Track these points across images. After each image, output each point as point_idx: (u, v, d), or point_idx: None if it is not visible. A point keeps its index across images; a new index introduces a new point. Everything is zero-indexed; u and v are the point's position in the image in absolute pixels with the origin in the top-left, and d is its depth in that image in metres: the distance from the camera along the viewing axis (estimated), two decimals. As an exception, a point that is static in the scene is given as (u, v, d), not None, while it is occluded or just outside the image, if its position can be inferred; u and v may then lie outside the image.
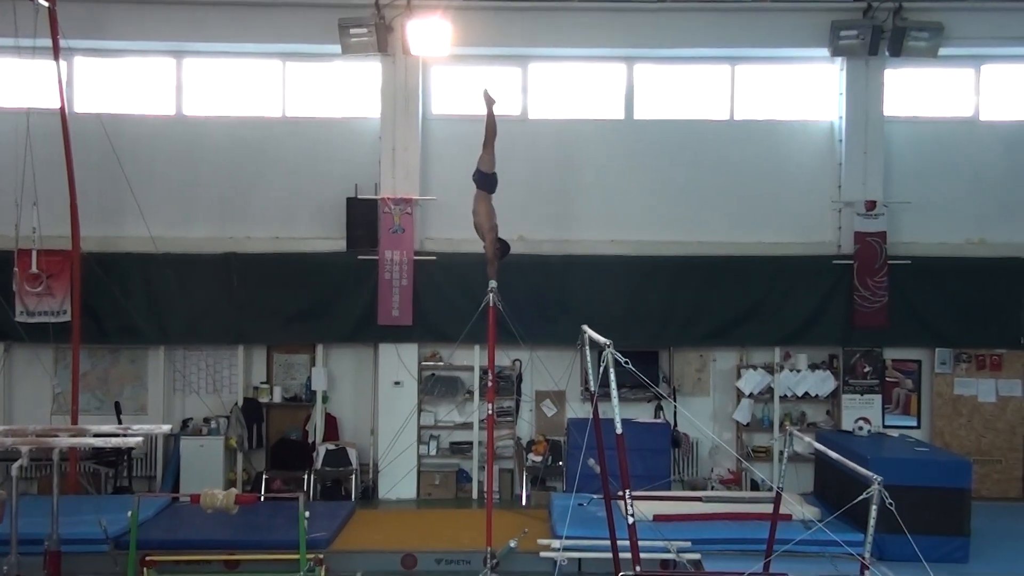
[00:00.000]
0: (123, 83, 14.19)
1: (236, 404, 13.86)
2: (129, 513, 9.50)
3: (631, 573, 6.35)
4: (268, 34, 13.84)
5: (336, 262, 13.80)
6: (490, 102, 11.17)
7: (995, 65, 14.22)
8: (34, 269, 12.44)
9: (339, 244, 13.86)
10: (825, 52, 13.76)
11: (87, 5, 13.40)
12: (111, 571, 9.67)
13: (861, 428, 12.19)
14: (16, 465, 5.84)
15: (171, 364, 14.04)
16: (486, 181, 11.10)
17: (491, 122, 11.14)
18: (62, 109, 12.53)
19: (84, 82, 14.11)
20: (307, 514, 9.62)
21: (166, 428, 6.81)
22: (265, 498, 11.70)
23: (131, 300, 13.43)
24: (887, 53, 13.62)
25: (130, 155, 13.40)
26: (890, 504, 6.26)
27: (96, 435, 6.59)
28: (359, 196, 13.80)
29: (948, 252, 13.91)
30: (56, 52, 12.35)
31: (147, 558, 9.97)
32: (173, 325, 13.73)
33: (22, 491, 6.15)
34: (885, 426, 13.53)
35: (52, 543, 6.09)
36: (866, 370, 13.84)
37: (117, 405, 13.53)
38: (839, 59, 13.93)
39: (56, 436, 6.39)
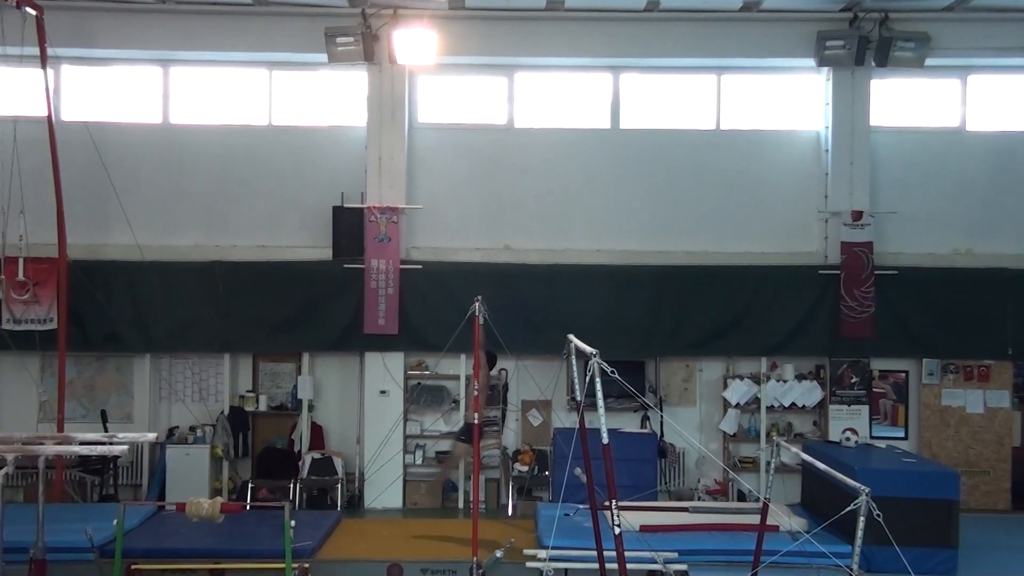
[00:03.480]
0: (110, 91, 14.16)
1: (222, 413, 13.80)
2: (115, 521, 9.44)
3: (618, 584, 6.33)
4: (255, 43, 13.82)
5: (322, 270, 13.77)
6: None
7: (981, 76, 14.29)
8: (21, 277, 12.37)
9: (325, 253, 13.83)
10: (811, 62, 13.82)
11: (75, 14, 13.37)
12: (96, 580, 9.63)
13: (848, 439, 12.21)
14: (1, 473, 5.79)
15: (157, 372, 13.98)
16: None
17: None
18: (49, 117, 12.50)
19: (71, 90, 14.07)
20: (293, 523, 9.55)
21: (152, 436, 6.77)
22: (251, 507, 11.62)
23: (117, 308, 13.37)
24: (873, 63, 13.68)
25: (117, 163, 13.35)
26: (878, 516, 6.24)
27: (82, 443, 6.53)
28: (345, 205, 13.78)
29: (935, 263, 13.95)
30: (43, 60, 12.32)
31: (132, 567, 9.90)
32: (159, 333, 13.67)
33: (7, 499, 6.10)
34: (872, 437, 13.56)
35: (37, 551, 6.04)
36: (853, 381, 13.87)
37: (103, 413, 13.47)
38: (825, 69, 13.98)
39: (42, 444, 6.34)
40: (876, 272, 13.65)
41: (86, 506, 12.59)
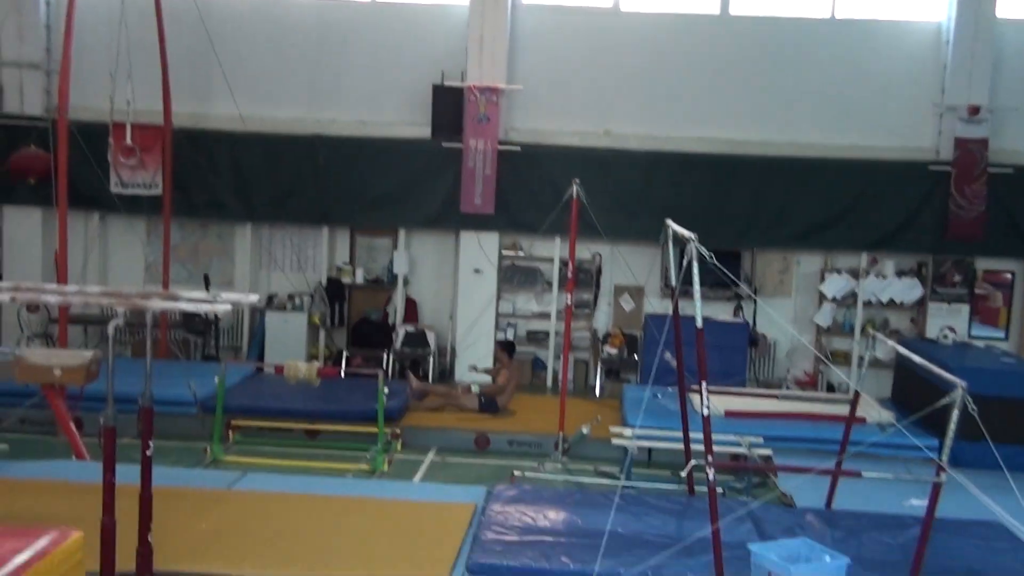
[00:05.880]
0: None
1: (320, 283, 14.15)
2: (216, 378, 9.88)
3: (703, 463, 6.37)
4: (362, -88, 13.65)
5: (420, 149, 13.79)
6: None
7: (1122, -35, 13.36)
8: (128, 142, 12.68)
9: (424, 131, 13.83)
10: (937, -53, 13.09)
11: None
12: (198, 433, 10.11)
13: (946, 337, 11.96)
14: (112, 324, 6.03)
15: (258, 241, 14.34)
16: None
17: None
18: (156, -18, 12.60)
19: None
20: (386, 390, 9.87)
21: (254, 298, 6.95)
22: (345, 373, 11.99)
23: (219, 176, 13.67)
24: (1005, -51, 12.90)
25: (221, 32, 13.41)
26: (973, 411, 6.12)
27: (187, 300, 6.77)
28: (445, 83, 13.69)
29: (1053, 161, 13.33)
30: (154, -75, 12.36)
31: (232, 422, 10.40)
32: (260, 203, 13.95)
33: (116, 353, 6.36)
34: (971, 337, 13.26)
35: (145, 400, 6.32)
36: (956, 279, 13.47)
37: (206, 277, 13.94)
38: (952, -45, 13.23)
39: (150, 299, 6.57)
40: (990, 170, 13.10)
41: (189, 364, 13.14)
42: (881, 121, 13.64)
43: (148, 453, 6.32)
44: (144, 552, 6.32)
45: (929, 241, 13.44)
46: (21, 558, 4.85)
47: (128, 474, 6.41)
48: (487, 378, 12.04)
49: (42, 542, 5.05)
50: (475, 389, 11.67)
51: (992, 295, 13.62)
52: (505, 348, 12.02)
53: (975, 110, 13.15)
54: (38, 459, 9.17)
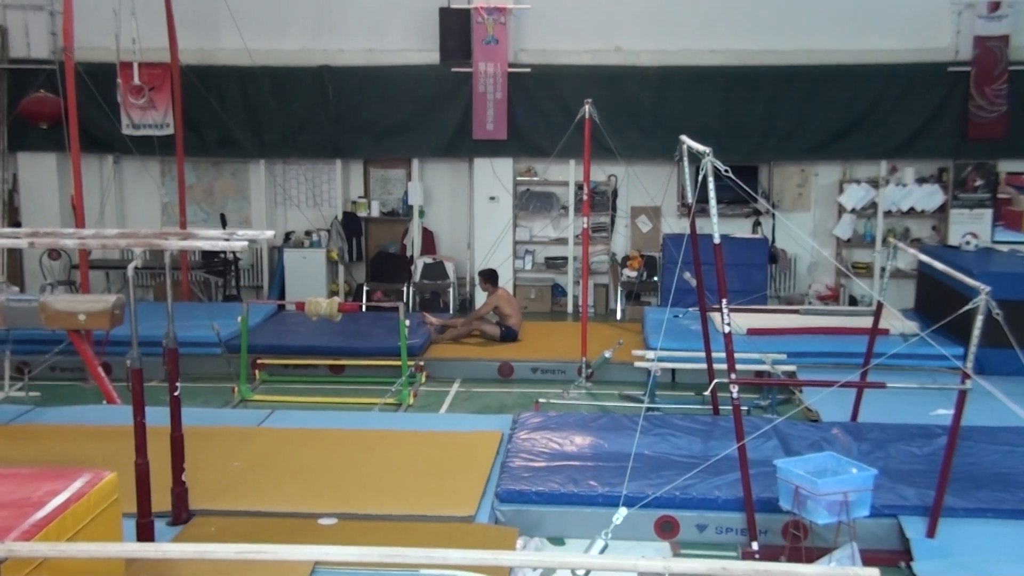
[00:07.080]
0: None
1: (336, 218, 14.11)
2: (239, 318, 9.93)
3: (727, 380, 6.37)
4: None
5: (430, 75, 13.60)
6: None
7: None
8: (136, 81, 12.55)
9: (432, 56, 13.62)
10: None
11: None
12: (224, 372, 10.19)
13: (968, 243, 11.83)
14: (131, 265, 6.05)
15: (272, 178, 14.28)
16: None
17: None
18: (153, -83, 12.33)
19: None
20: (408, 323, 9.89)
21: (270, 234, 6.93)
22: (367, 308, 12.01)
23: (230, 113, 13.53)
24: None
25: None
26: (997, 315, 6.05)
27: (204, 238, 6.78)
28: (452, 5, 13.44)
29: (1077, 55, 13.00)
30: None
31: (258, 361, 10.48)
32: (271, 139, 13.86)
33: (138, 298, 6.40)
34: (994, 242, 13.10)
35: (169, 341, 6.37)
36: (977, 184, 13.27)
37: (223, 217, 13.93)
38: None
39: (167, 239, 6.58)
40: (1011, 67, 12.80)
41: (211, 305, 13.20)
42: (896, 23, 13.31)
43: (176, 394, 6.39)
44: (179, 491, 6.43)
45: (949, 145, 13.22)
46: (59, 500, 4.93)
47: (158, 416, 6.50)
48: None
49: (78, 484, 5.13)
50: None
51: (1015, 198, 13.39)
52: (488, 278, 11.79)
53: (995, 5, 12.81)
54: (69, 405, 9.29)
